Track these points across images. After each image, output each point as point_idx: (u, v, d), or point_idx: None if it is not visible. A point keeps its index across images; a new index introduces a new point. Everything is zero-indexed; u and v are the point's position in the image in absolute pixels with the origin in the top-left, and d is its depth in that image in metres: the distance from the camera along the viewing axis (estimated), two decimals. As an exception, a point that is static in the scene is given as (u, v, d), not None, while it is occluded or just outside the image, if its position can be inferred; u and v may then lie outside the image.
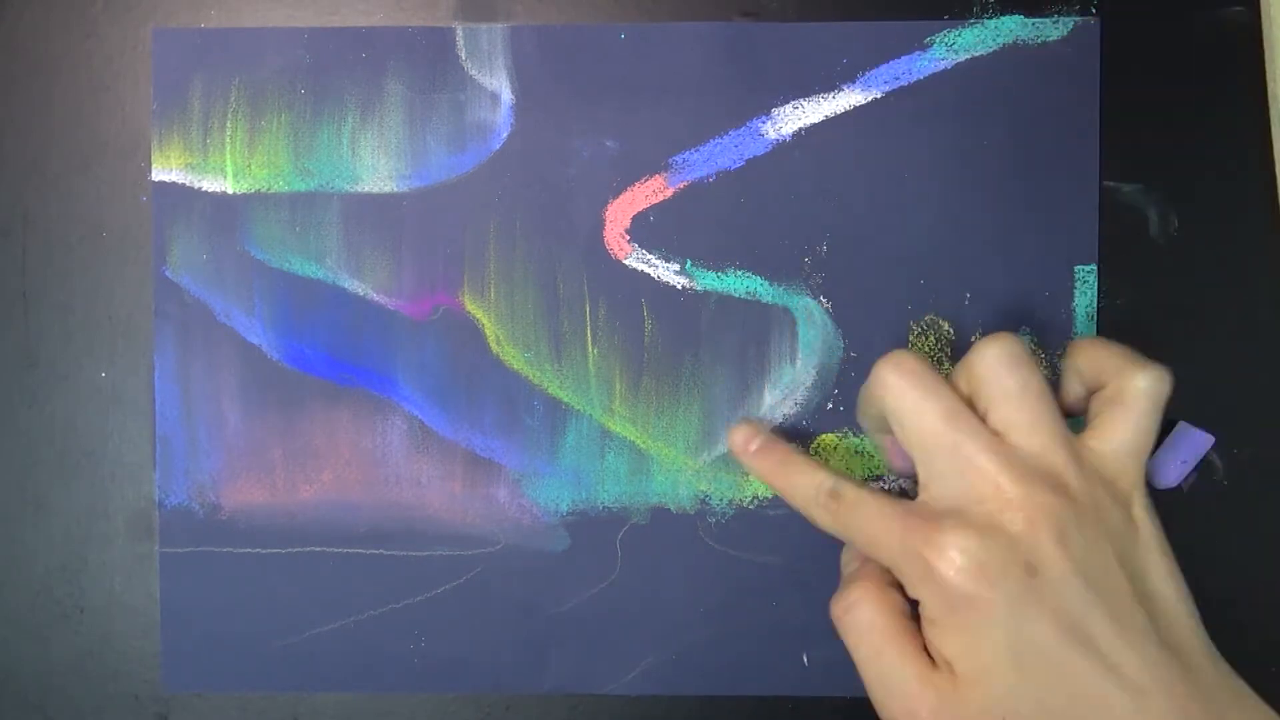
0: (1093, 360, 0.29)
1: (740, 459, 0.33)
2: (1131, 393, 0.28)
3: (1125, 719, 0.25)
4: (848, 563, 0.31)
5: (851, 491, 0.29)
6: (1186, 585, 0.27)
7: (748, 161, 0.34)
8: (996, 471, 0.26)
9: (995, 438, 0.27)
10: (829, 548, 0.35)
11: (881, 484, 0.34)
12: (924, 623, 0.27)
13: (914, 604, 0.28)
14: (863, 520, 0.28)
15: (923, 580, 0.26)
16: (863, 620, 0.28)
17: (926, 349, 0.34)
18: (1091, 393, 0.29)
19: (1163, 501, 0.34)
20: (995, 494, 0.26)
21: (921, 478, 0.28)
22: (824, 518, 0.29)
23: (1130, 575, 0.26)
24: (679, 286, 0.35)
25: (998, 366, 0.28)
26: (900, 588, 0.28)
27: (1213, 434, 0.34)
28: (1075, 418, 0.30)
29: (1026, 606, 0.25)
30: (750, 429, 0.32)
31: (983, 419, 0.28)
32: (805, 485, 0.30)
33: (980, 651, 0.26)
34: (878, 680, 0.27)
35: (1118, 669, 0.25)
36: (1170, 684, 0.25)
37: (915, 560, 0.27)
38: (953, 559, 0.26)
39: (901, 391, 0.28)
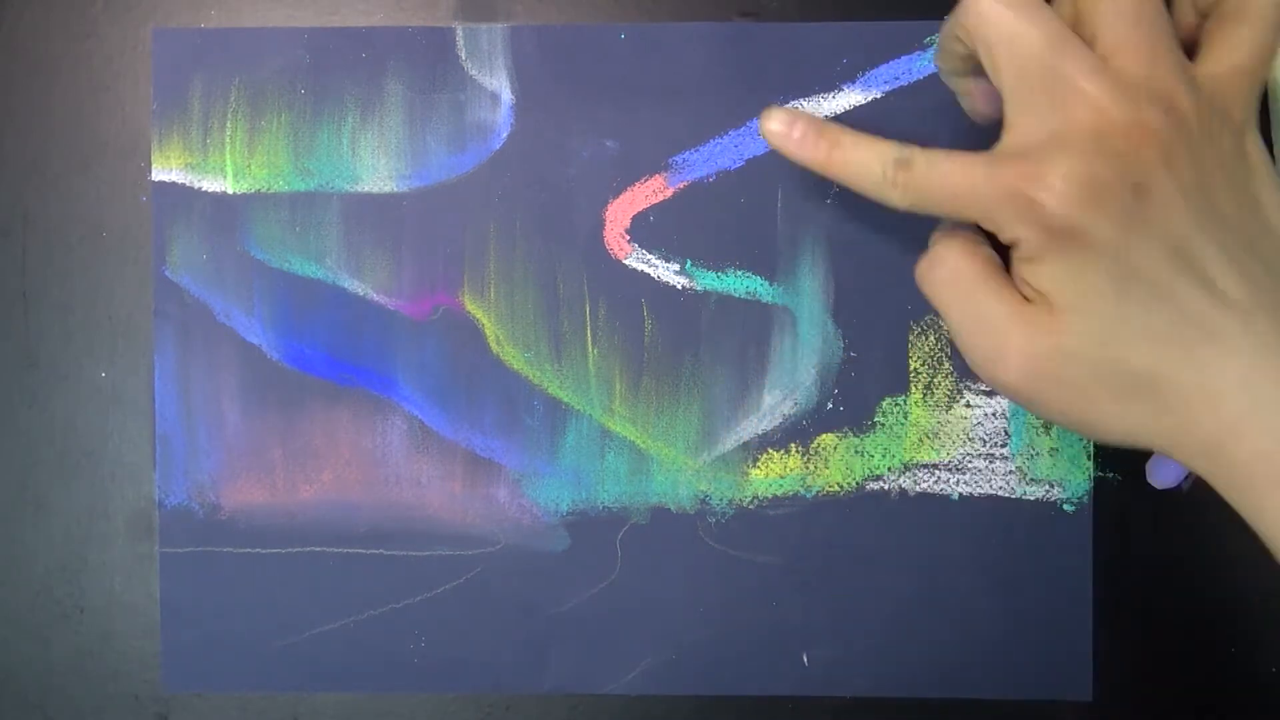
0: None
1: (783, 150, 0.29)
2: (1252, 4, 0.26)
3: (1230, 342, 0.24)
4: (934, 238, 0.29)
5: (921, 155, 0.26)
6: None
7: (748, 161, 0.34)
8: (1100, 94, 0.24)
9: (1101, 60, 0.25)
10: (829, 548, 0.35)
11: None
12: (1020, 264, 0.26)
13: (1004, 256, 0.27)
14: (942, 179, 0.26)
15: (1021, 219, 0.25)
16: (949, 270, 0.27)
17: (926, 349, 0.34)
18: (1205, 16, 0.27)
19: (1163, 501, 0.34)
20: (1099, 117, 0.24)
21: (1009, 116, 0.26)
22: (897, 194, 0.27)
23: (1240, 204, 0.25)
24: (679, 286, 0.35)
25: None
26: (986, 242, 0.27)
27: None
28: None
29: (1133, 230, 0.24)
30: (787, 115, 0.29)
31: (1089, 45, 0.25)
32: (868, 162, 0.27)
33: (1083, 279, 0.25)
34: (968, 324, 0.26)
35: (1224, 294, 0.24)
36: (1276, 304, 0.24)
37: (1011, 201, 0.25)
38: (1056, 187, 0.24)
39: (998, 16, 0.25)
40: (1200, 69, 0.26)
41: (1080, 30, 0.26)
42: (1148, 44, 0.25)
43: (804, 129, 0.29)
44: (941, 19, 0.34)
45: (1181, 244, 0.24)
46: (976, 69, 0.28)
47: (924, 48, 0.34)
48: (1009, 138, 0.26)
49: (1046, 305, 0.25)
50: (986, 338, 0.26)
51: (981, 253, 0.27)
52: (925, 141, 0.34)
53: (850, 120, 0.34)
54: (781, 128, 0.29)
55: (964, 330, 0.27)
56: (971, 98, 0.30)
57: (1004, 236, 0.26)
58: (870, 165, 0.27)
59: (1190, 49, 0.27)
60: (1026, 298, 0.26)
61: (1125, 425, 0.26)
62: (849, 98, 0.34)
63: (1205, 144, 0.25)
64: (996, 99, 0.27)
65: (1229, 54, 0.26)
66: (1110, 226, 0.24)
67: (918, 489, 0.35)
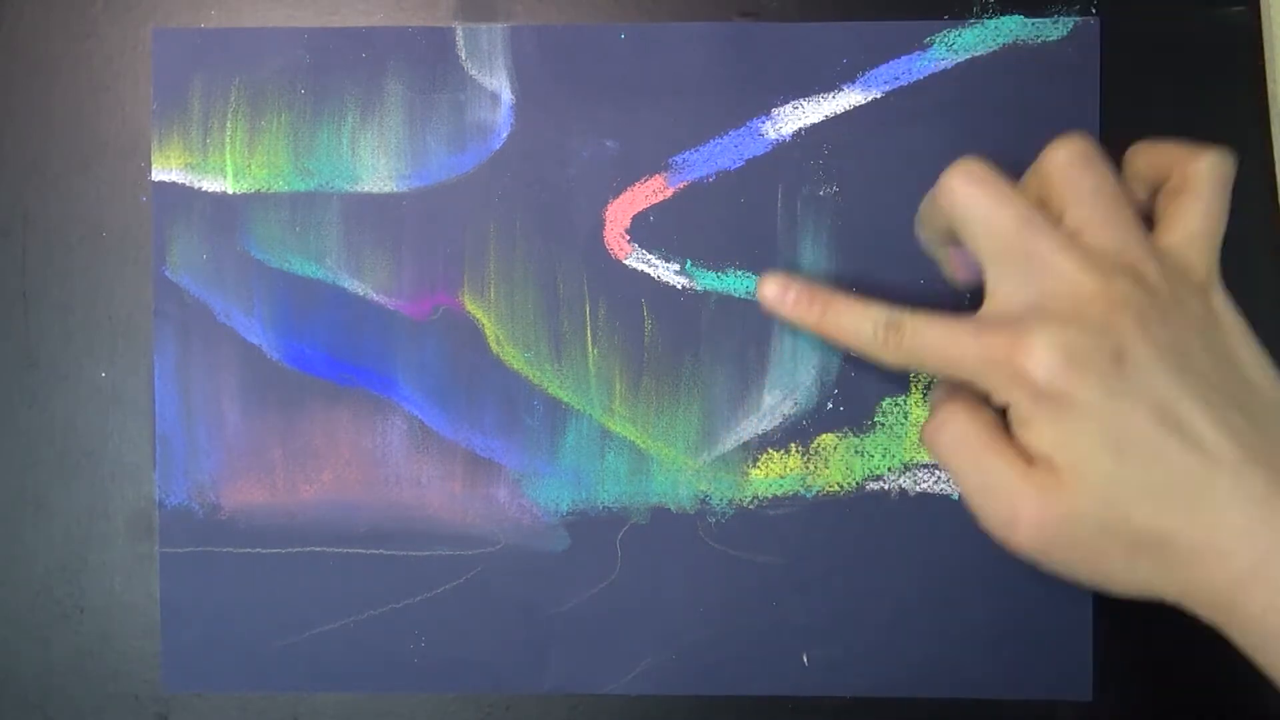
0: (1151, 159, 0.29)
1: (778, 313, 0.31)
2: (1195, 177, 0.28)
3: (1226, 496, 0.25)
4: (936, 398, 0.30)
5: (910, 319, 0.28)
6: (1277, 370, 0.27)
7: (748, 161, 0.34)
8: (1074, 268, 0.26)
9: (1070, 238, 0.27)
10: (829, 548, 0.35)
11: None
12: (1016, 425, 0.27)
13: (1002, 414, 0.28)
14: (931, 343, 0.28)
15: (1011, 384, 0.26)
16: (956, 434, 0.28)
17: (926, 349, 0.34)
18: (1155, 192, 0.29)
19: (1163, 501, 0.34)
20: (1073, 289, 0.26)
21: (990, 285, 0.28)
22: (888, 354, 0.29)
23: (1217, 362, 0.26)
24: (679, 286, 0.35)
25: (1070, 168, 0.28)
26: (985, 401, 0.28)
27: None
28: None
29: (1118, 394, 0.25)
30: (781, 280, 0.31)
31: (1056, 222, 0.27)
32: (859, 325, 0.29)
33: (1077, 443, 0.26)
34: (979, 488, 0.27)
35: (1213, 450, 0.25)
36: (1268, 458, 0.25)
37: (1000, 367, 0.26)
38: (1040, 356, 0.26)
39: (973, 199, 0.28)
40: (1159, 240, 0.28)
41: (1048, 208, 0.28)
42: (1112, 219, 0.27)
43: (797, 294, 0.31)
44: (941, 19, 0.34)
45: (1165, 404, 0.25)
46: (955, 239, 0.29)
47: (924, 48, 0.34)
48: (991, 304, 0.28)
49: (1050, 467, 0.26)
50: (998, 502, 0.27)
51: (984, 415, 0.28)
52: (925, 142, 0.34)
53: (850, 120, 0.34)
54: (776, 292, 0.31)
55: (975, 493, 0.27)
56: (953, 266, 0.32)
57: (997, 400, 0.27)
58: (862, 328, 0.29)
59: (1146, 222, 0.28)
60: (1030, 458, 0.27)
61: (1138, 580, 0.26)
62: (849, 98, 0.34)
63: (1175, 308, 0.26)
64: (974, 268, 0.29)
65: (1183, 224, 0.28)
66: (1095, 391, 0.25)
67: (918, 489, 0.35)
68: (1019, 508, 0.26)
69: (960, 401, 0.28)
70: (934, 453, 0.29)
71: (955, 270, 0.32)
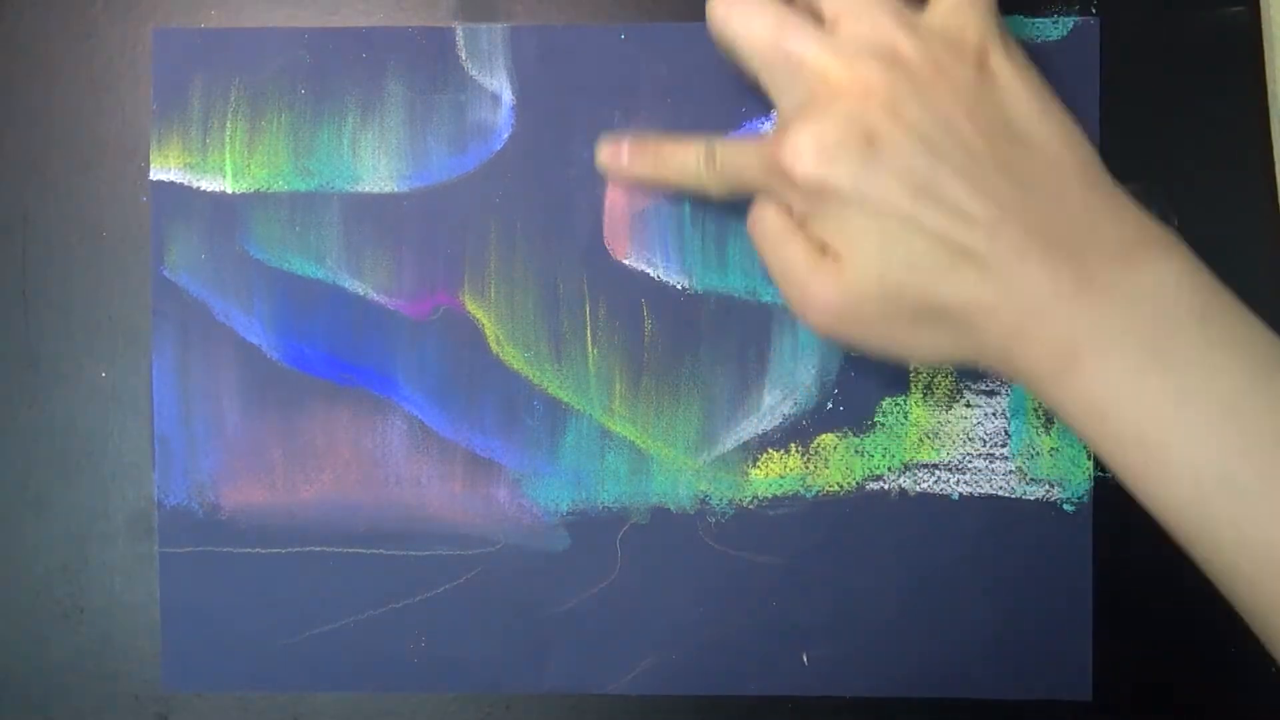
0: None
1: (616, 176, 0.33)
2: None
3: (982, 257, 0.26)
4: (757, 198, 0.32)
5: (720, 145, 0.30)
6: (1072, 121, 0.28)
7: (748, 161, 0.34)
8: (824, 61, 0.27)
9: (822, 32, 0.28)
10: (829, 548, 0.35)
11: None
12: (802, 224, 0.29)
13: None
14: (733, 162, 0.30)
15: (785, 185, 0.28)
16: (764, 228, 0.30)
17: (926, 349, 0.34)
18: None
19: (1163, 501, 0.34)
20: (824, 82, 0.27)
21: (772, 97, 0.29)
22: (710, 182, 0.31)
23: (987, 126, 0.27)
24: (679, 286, 0.35)
25: None
26: None
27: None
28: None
29: (872, 175, 0.27)
30: (612, 143, 0.33)
31: (816, 21, 0.29)
32: (686, 163, 0.31)
33: (845, 228, 0.27)
34: (780, 274, 0.29)
35: (970, 214, 0.26)
36: (1025, 214, 0.26)
37: (773, 172, 0.28)
38: (798, 152, 0.27)
39: (731, 18, 0.29)
40: (928, 16, 0.28)
41: (811, 8, 0.29)
42: (863, 5, 0.28)
43: (630, 149, 0.33)
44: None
45: (919, 179, 0.27)
46: None
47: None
48: (778, 117, 0.29)
49: (833, 254, 0.28)
50: (791, 286, 0.29)
51: (788, 212, 0.29)
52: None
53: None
54: (610, 154, 0.33)
55: (778, 279, 0.29)
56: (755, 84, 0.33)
57: (781, 203, 0.29)
58: (686, 162, 0.31)
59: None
60: (822, 248, 0.28)
61: (930, 348, 0.28)
62: (849, 98, 0.34)
63: (937, 82, 0.27)
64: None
65: None
66: (850, 177, 0.27)
67: (918, 489, 0.35)
68: (808, 290, 0.28)
69: (773, 200, 0.30)
70: (754, 242, 0.30)
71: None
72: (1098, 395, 0.26)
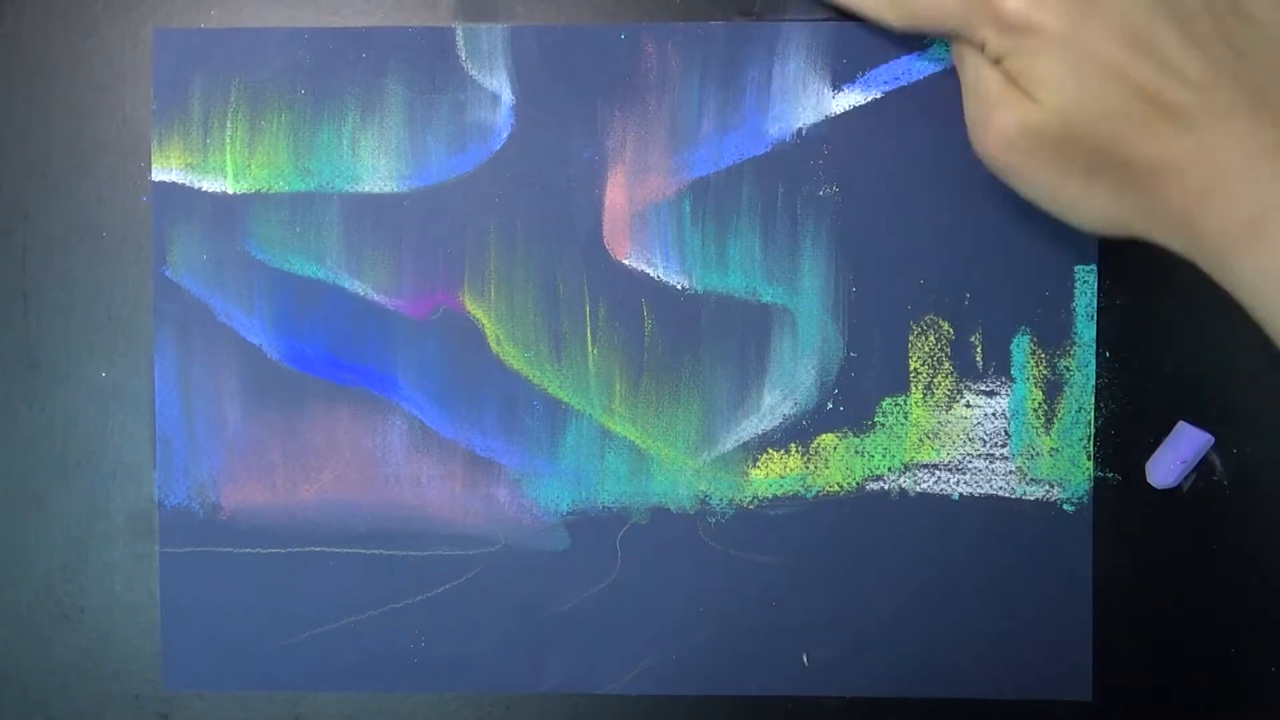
0: None
1: None
2: None
3: (1186, 117, 0.25)
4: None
5: None
6: None
7: (748, 161, 0.34)
8: None
9: None
10: (829, 548, 0.35)
11: None
12: (1000, 60, 0.28)
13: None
14: None
15: (985, 21, 0.27)
16: (964, 51, 0.29)
17: (926, 349, 0.34)
18: None
19: (1163, 501, 0.34)
20: None
21: None
22: (891, 14, 0.30)
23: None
24: (679, 286, 0.35)
25: None
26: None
27: (1212, 434, 0.34)
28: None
29: (1085, 17, 0.26)
30: None
31: None
32: None
33: (1043, 67, 0.27)
34: (969, 92, 0.29)
35: (1181, 72, 0.26)
36: (1243, 79, 0.25)
37: (979, 6, 0.27)
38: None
39: None
40: None
41: None
42: None
43: None
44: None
45: (1138, 29, 0.26)
46: None
47: (924, 48, 0.34)
48: None
49: (1025, 89, 0.27)
50: (976, 107, 0.29)
51: (981, 54, 0.29)
52: (925, 142, 0.34)
53: (850, 120, 0.34)
54: None
55: (966, 97, 0.29)
56: None
57: (975, 41, 0.28)
58: None
59: None
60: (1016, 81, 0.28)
61: (1097, 205, 0.27)
62: (849, 98, 0.34)
63: None
64: None
65: None
66: (1062, 19, 0.26)
67: (918, 489, 0.35)
68: (990, 113, 0.28)
69: (964, 41, 0.29)
70: (954, 59, 0.30)
71: None
72: None
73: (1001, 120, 0.27)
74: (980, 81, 0.28)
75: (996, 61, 0.28)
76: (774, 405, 0.35)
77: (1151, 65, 0.26)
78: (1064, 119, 0.26)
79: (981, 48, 0.28)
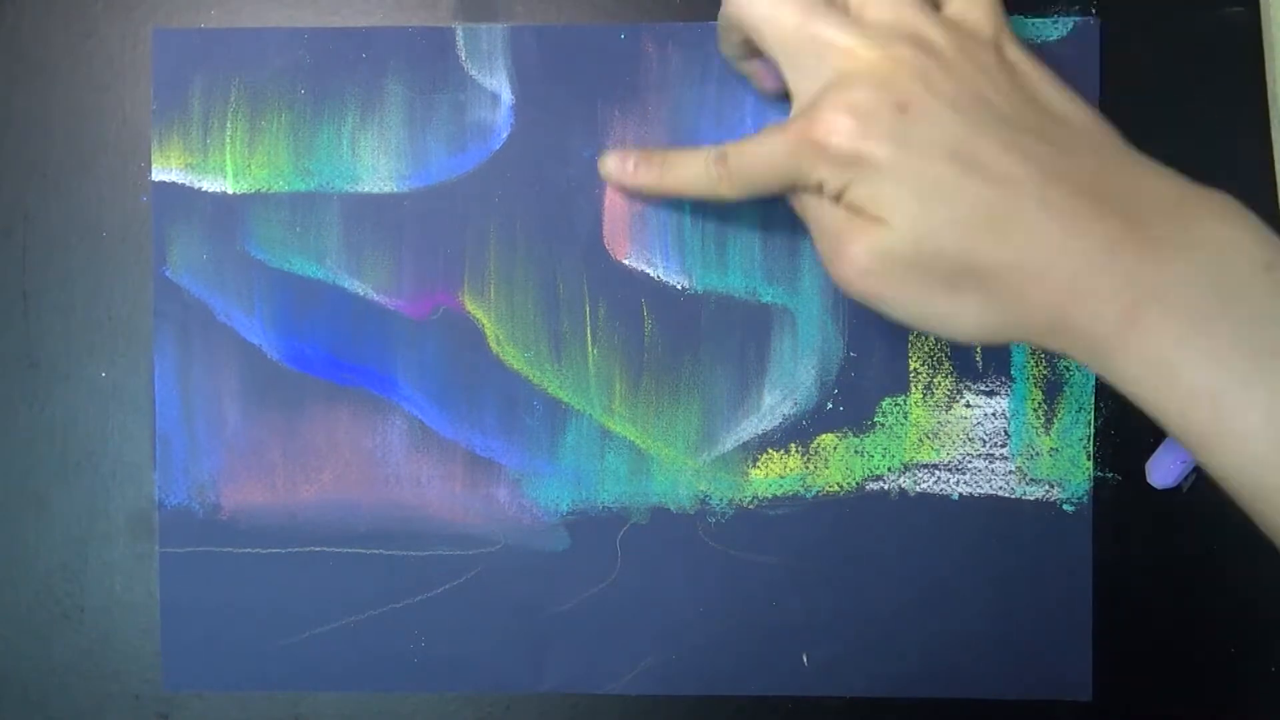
0: None
1: (623, 185, 0.33)
2: None
3: (1031, 217, 0.25)
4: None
5: (732, 146, 0.30)
6: (1090, 106, 0.28)
7: (748, 161, 0.34)
8: (852, 42, 0.27)
9: (850, 19, 0.28)
10: (829, 548, 0.35)
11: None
12: (843, 199, 0.28)
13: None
14: (751, 158, 0.29)
15: (817, 161, 0.27)
16: (805, 196, 0.29)
17: (926, 349, 0.34)
18: None
19: (1163, 501, 0.34)
20: (855, 61, 0.27)
21: (790, 84, 0.29)
22: (724, 187, 0.30)
23: (1017, 100, 0.27)
24: (679, 286, 0.35)
25: None
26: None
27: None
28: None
29: (908, 141, 0.26)
30: (618, 153, 0.33)
31: (842, 9, 0.29)
32: (695, 168, 0.31)
33: (882, 194, 0.27)
34: (817, 234, 0.29)
35: (1012, 177, 0.26)
36: (1071, 175, 0.26)
37: (802, 152, 0.28)
38: (830, 123, 0.27)
39: (753, 2, 0.29)
40: (944, 11, 0.29)
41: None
42: None
43: (636, 160, 0.32)
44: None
45: (957, 144, 0.26)
46: (755, 51, 0.31)
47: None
48: (795, 105, 0.29)
49: (869, 217, 0.27)
50: (827, 242, 0.28)
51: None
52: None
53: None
54: (617, 165, 0.33)
55: (814, 235, 0.29)
56: (758, 78, 0.33)
57: (810, 185, 0.28)
58: (697, 171, 0.31)
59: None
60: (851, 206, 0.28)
61: (969, 319, 0.27)
62: (849, 98, 0.34)
63: (964, 62, 0.27)
64: (778, 74, 0.30)
65: None
66: (885, 144, 0.26)
67: (918, 489, 0.35)
68: (841, 245, 0.28)
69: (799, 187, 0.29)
70: (796, 213, 0.30)
71: (763, 82, 0.33)
72: (1164, 351, 0.24)
73: (854, 249, 0.27)
74: (825, 219, 0.28)
75: (837, 198, 0.28)
76: (774, 405, 0.35)
77: (982, 176, 0.26)
78: (914, 236, 0.26)
79: (819, 189, 0.28)
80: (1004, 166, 0.26)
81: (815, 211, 0.29)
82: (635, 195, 0.34)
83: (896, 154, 0.26)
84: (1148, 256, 0.25)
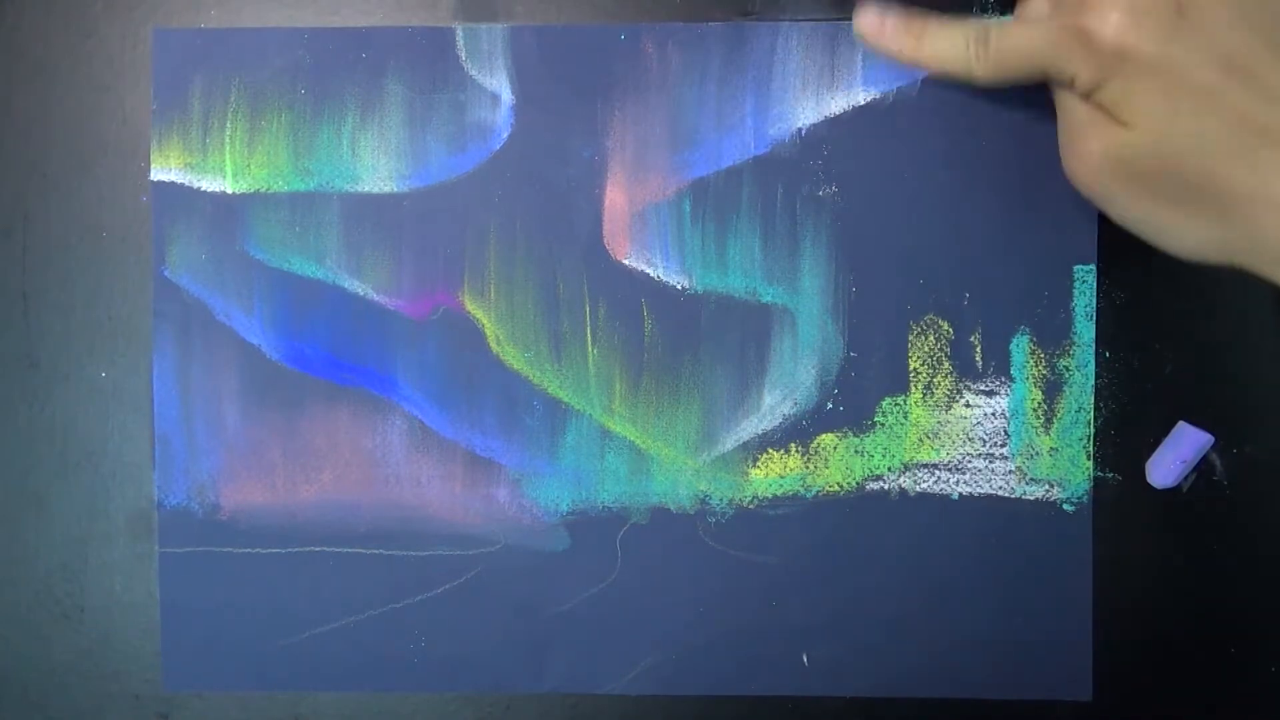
0: None
1: (876, 44, 0.31)
2: None
3: None
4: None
5: (994, 27, 0.29)
6: None
7: (747, 161, 0.34)
8: None
9: None
10: (829, 548, 0.35)
11: None
12: (1095, 93, 0.27)
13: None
14: (1014, 42, 0.28)
15: (1084, 52, 0.27)
16: (1061, 87, 0.28)
17: (926, 349, 0.34)
18: None
19: (1163, 501, 0.34)
20: None
21: None
22: (982, 68, 0.29)
23: None
24: (679, 286, 0.35)
25: None
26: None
27: (1212, 434, 0.34)
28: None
29: (1177, 43, 0.25)
30: (877, 10, 0.31)
31: None
32: (954, 44, 0.29)
33: (1136, 96, 0.26)
34: (1061, 120, 0.28)
35: (1279, 94, 0.25)
36: None
37: (1069, 40, 0.27)
38: (1105, 15, 0.26)
39: None
40: None
41: None
42: None
43: (893, 24, 0.30)
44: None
45: (1232, 52, 0.25)
46: None
47: (924, 48, 0.34)
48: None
49: (1118, 116, 0.27)
50: (1069, 137, 0.28)
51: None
52: (925, 142, 0.34)
53: (850, 120, 0.34)
54: (873, 23, 0.31)
55: (1060, 129, 0.29)
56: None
57: (1067, 77, 0.27)
58: (955, 46, 0.29)
59: None
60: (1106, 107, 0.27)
61: (1194, 236, 0.27)
62: (849, 98, 0.34)
63: None
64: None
65: None
66: (1155, 43, 0.25)
67: (918, 489, 0.35)
68: (1082, 142, 0.27)
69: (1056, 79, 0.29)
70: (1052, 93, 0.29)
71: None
72: None
73: (1090, 147, 0.27)
74: (1069, 111, 0.28)
75: (1087, 96, 0.27)
76: (774, 405, 0.35)
77: (1252, 90, 0.25)
78: (1156, 146, 0.26)
79: (1071, 83, 0.27)
80: (1276, 83, 0.25)
81: (1063, 102, 0.28)
82: (886, 56, 0.32)
83: (1163, 54, 0.26)
84: None
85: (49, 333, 0.35)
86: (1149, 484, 0.34)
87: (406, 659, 0.35)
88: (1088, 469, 0.34)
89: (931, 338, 0.34)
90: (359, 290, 0.35)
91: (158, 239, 0.35)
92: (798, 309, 0.35)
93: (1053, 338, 0.34)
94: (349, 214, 0.35)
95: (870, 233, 0.34)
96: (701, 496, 0.35)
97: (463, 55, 0.35)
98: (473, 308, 0.35)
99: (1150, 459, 0.34)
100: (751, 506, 0.35)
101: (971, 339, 0.34)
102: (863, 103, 0.34)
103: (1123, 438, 0.34)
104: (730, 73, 0.34)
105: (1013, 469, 0.34)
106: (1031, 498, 0.34)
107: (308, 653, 0.35)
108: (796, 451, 0.35)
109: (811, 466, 0.35)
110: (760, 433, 0.35)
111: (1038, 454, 0.34)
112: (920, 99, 0.34)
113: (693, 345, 0.35)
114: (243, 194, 0.35)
